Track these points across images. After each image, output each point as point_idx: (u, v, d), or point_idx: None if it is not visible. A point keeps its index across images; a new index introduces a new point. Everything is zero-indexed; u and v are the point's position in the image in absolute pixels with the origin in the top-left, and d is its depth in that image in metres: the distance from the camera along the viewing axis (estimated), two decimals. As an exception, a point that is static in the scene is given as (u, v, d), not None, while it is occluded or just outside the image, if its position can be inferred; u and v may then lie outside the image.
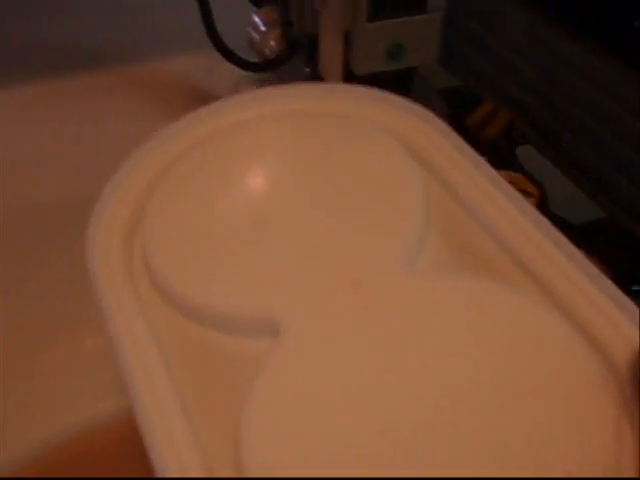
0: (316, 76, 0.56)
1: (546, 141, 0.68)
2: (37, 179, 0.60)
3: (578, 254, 0.29)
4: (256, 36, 0.62)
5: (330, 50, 0.53)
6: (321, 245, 0.30)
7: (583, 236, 0.60)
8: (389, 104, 0.36)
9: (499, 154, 0.66)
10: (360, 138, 0.35)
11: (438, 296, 0.28)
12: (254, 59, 0.61)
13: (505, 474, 0.23)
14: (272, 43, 0.60)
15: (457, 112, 0.68)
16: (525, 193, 0.60)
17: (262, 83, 0.65)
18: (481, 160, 0.34)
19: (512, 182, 0.61)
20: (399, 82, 0.54)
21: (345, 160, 0.34)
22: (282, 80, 0.60)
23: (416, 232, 0.30)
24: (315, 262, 0.30)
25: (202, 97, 0.68)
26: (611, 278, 0.27)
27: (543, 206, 0.61)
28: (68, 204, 0.58)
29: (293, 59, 0.58)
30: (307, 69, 0.58)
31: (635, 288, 0.50)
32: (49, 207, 0.58)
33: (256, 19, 0.61)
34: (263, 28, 0.61)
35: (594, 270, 0.28)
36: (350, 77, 0.52)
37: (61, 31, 0.74)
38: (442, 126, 0.35)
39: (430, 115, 0.36)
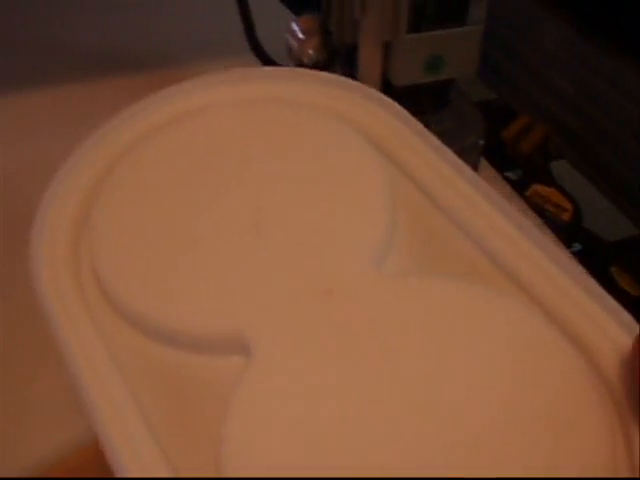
0: (354, 85, 0.56)
1: (582, 156, 0.68)
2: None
3: (556, 250, 0.28)
4: (294, 44, 0.63)
5: (369, 60, 0.53)
6: (286, 251, 0.28)
7: (616, 253, 0.60)
8: (346, 89, 0.34)
9: (534, 168, 0.65)
10: (319, 129, 0.32)
11: (411, 299, 0.27)
12: (292, 67, 0.61)
13: (490, 475, 0.22)
14: (310, 51, 0.60)
15: (493, 125, 0.68)
16: (558, 207, 0.60)
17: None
18: (444, 147, 0.32)
19: (547, 196, 0.61)
20: (436, 94, 0.54)
21: (303, 154, 0.31)
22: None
23: (384, 231, 0.28)
24: (282, 271, 0.27)
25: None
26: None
27: (576, 221, 0.61)
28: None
29: (331, 68, 0.58)
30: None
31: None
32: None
33: (295, 27, 0.62)
34: (301, 36, 0.62)
35: (580, 271, 0.27)
36: (388, 88, 0.53)
37: (97, 32, 0.75)
38: (403, 113, 0.33)
39: (390, 102, 0.33)
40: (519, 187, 0.62)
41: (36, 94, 0.67)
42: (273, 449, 0.23)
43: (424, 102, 0.54)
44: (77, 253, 0.29)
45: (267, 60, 0.56)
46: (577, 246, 0.60)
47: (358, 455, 0.23)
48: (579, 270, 0.27)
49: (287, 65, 0.60)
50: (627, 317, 0.26)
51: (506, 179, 0.63)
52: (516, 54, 0.75)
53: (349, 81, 0.34)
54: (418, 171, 0.31)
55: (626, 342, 0.25)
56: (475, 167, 0.57)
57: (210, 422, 0.24)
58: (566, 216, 0.61)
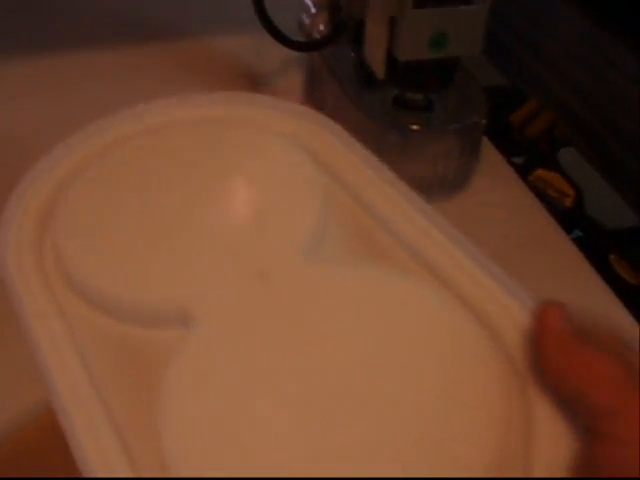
0: (360, 61, 0.56)
1: (588, 144, 0.68)
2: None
3: (467, 243, 0.32)
4: (306, 19, 0.63)
5: (375, 35, 0.53)
6: (227, 238, 0.32)
7: (615, 241, 0.60)
8: (297, 115, 0.38)
9: (539, 153, 0.66)
10: (266, 145, 0.37)
11: (337, 283, 0.31)
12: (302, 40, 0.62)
13: (394, 444, 0.26)
14: (321, 27, 0.61)
15: (501, 110, 0.68)
16: (561, 193, 0.60)
17: (308, 65, 0.66)
18: (372, 157, 0.36)
19: (549, 181, 0.61)
20: (441, 72, 0.54)
21: (249, 163, 0.36)
22: (328, 62, 0.60)
23: (314, 225, 0.33)
24: (222, 255, 0.32)
25: (249, 75, 0.69)
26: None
27: (578, 207, 0.61)
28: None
29: (340, 43, 0.59)
30: (352, 54, 0.58)
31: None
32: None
33: (307, 1, 0.62)
34: (313, 10, 0.62)
35: (485, 259, 0.32)
36: (393, 63, 0.53)
37: (122, 3, 0.76)
38: (337, 129, 0.37)
39: (325, 119, 0.38)
40: (523, 172, 0.62)
41: (51, 58, 0.68)
42: (205, 416, 0.27)
43: (428, 79, 0.55)
44: (41, 240, 0.33)
45: (275, 32, 0.57)
46: (577, 232, 0.60)
47: (278, 421, 0.27)
48: (485, 258, 0.31)
49: (298, 39, 0.60)
50: (528, 298, 0.29)
51: (511, 164, 0.63)
52: (529, 40, 0.75)
53: (300, 107, 0.39)
54: (349, 178, 0.35)
55: (527, 319, 0.28)
56: (477, 147, 0.58)
57: (152, 385, 0.28)
58: (568, 202, 0.61)
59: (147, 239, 0.33)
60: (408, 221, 0.33)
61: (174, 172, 0.35)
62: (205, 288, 0.30)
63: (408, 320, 0.29)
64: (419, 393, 0.27)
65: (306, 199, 0.34)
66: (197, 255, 0.32)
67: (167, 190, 0.35)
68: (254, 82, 0.68)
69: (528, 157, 0.65)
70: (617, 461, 0.23)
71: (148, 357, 0.29)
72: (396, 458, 0.26)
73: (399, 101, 0.56)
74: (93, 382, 0.28)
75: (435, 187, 0.57)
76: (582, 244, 0.57)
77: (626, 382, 0.24)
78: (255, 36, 0.71)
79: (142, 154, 0.37)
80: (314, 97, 0.65)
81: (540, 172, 0.62)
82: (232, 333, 0.29)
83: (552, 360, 0.26)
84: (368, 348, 0.28)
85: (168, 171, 0.36)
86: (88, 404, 0.27)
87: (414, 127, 0.54)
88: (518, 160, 0.64)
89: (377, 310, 0.30)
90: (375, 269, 0.32)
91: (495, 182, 0.59)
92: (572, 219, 0.60)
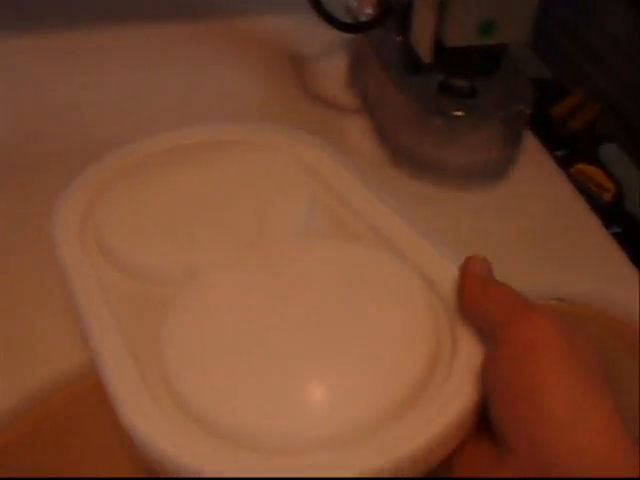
0: (407, 45, 0.56)
1: (631, 139, 0.67)
2: (123, 117, 0.63)
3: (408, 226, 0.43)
4: (353, 2, 0.63)
5: (423, 20, 0.53)
6: (231, 221, 0.43)
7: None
8: (293, 137, 0.50)
9: (581, 147, 0.65)
10: (270, 160, 0.48)
11: (318, 254, 0.42)
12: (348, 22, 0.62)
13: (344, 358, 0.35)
14: (369, 10, 0.61)
15: (544, 103, 0.68)
16: (601, 187, 0.60)
17: (353, 48, 0.66)
18: (354, 170, 0.47)
19: (589, 175, 0.61)
20: (487, 58, 0.54)
21: (250, 170, 0.48)
22: (374, 46, 0.60)
23: (303, 211, 0.44)
24: (225, 233, 0.42)
25: (291, 56, 0.69)
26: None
27: (618, 203, 0.61)
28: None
29: (386, 27, 0.58)
30: (398, 38, 0.58)
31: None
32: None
33: (355, -16, 0.62)
34: (361, -7, 0.62)
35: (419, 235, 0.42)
36: (440, 49, 0.53)
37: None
38: (329, 149, 0.49)
39: (319, 141, 0.49)
40: (564, 165, 0.62)
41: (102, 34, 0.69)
42: (199, 336, 0.37)
43: (474, 66, 0.54)
44: (85, 222, 0.44)
45: (326, 15, 0.57)
46: (616, 228, 0.60)
47: (260, 344, 0.36)
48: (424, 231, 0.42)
49: (345, 20, 0.60)
50: (458, 259, 0.39)
51: (552, 157, 0.63)
52: (576, 34, 0.74)
53: (305, 134, 0.50)
54: (332, 181, 0.47)
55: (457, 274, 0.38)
56: (520, 137, 0.57)
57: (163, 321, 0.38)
58: (608, 197, 0.61)
59: (166, 220, 0.43)
60: (375, 211, 0.44)
61: (192, 172, 0.47)
62: (210, 253, 0.41)
63: (363, 275, 0.40)
64: (368, 323, 0.37)
65: (297, 197, 0.45)
66: (205, 231, 0.42)
67: (185, 186, 0.46)
68: (296, 63, 0.69)
69: (569, 151, 0.64)
70: (509, 358, 0.32)
71: (161, 305, 0.39)
72: (345, 368, 0.35)
73: (443, 87, 0.55)
74: (120, 327, 0.38)
75: (475, 175, 0.57)
76: (620, 239, 0.56)
77: (515, 303, 0.34)
78: (298, 16, 0.72)
79: (168, 165, 0.48)
80: (358, 80, 0.65)
81: (581, 166, 0.62)
82: (228, 283, 0.39)
83: (470, 294, 0.36)
84: (334, 293, 0.39)
85: (188, 172, 0.47)
86: (113, 339, 0.37)
87: (458, 113, 0.54)
88: (559, 153, 0.64)
89: (343, 268, 0.40)
90: (343, 242, 0.43)
91: (536, 173, 0.58)
92: (611, 214, 0.60)
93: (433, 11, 0.52)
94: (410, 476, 0.32)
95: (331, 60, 0.68)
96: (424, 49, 0.54)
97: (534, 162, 0.59)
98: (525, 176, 0.58)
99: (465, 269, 0.37)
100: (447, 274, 0.39)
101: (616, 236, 0.57)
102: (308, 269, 0.40)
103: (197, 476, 0.31)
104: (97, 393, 0.35)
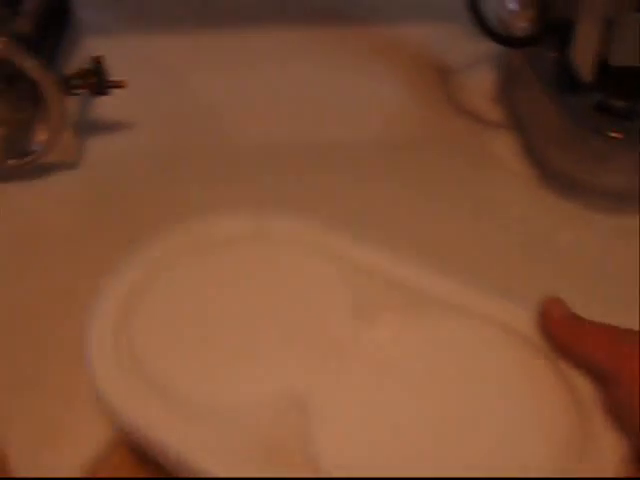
0: (564, 61, 0.55)
1: None
2: (269, 118, 0.64)
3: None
4: (505, 14, 0.62)
5: (586, 37, 0.52)
6: (295, 333, 0.39)
7: None
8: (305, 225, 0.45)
9: None
10: (295, 257, 0.43)
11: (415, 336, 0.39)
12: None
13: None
14: (523, 24, 0.59)
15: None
16: None
17: (505, 63, 0.65)
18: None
19: None
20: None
21: (286, 270, 0.42)
22: (528, 61, 0.59)
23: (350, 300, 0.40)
24: (308, 347, 0.38)
25: (437, 66, 0.68)
26: None
27: None
28: (298, 144, 0.61)
29: (541, 42, 0.57)
30: (553, 54, 0.57)
31: None
32: (281, 147, 0.61)
33: (509, -2, 0.61)
34: (515, 7, 0.61)
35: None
36: (603, 67, 0.51)
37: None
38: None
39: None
40: None
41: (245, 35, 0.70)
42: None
43: (636, 86, 0.52)
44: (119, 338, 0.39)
45: (487, 27, 0.56)
46: None
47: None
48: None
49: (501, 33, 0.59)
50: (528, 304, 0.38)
51: None
52: None
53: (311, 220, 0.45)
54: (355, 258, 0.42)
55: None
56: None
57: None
58: None
59: (224, 339, 0.39)
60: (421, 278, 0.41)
61: (233, 280, 0.42)
62: (310, 376, 0.37)
63: (473, 356, 0.38)
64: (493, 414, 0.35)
65: (336, 291, 0.41)
66: (285, 350, 0.38)
67: (229, 295, 0.41)
68: (442, 73, 0.68)
69: None
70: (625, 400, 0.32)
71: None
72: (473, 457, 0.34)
73: (601, 107, 0.54)
74: None
75: (628, 199, 0.55)
76: None
77: (619, 342, 0.34)
78: (445, 26, 0.71)
79: (205, 267, 0.43)
80: (506, 95, 0.64)
81: None
82: (348, 402, 0.36)
83: (557, 337, 0.36)
84: (448, 382, 0.37)
85: (229, 280, 0.42)
86: None
87: (615, 135, 0.52)
88: None
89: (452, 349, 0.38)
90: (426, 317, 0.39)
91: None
92: None
93: (598, 29, 0.50)
94: None
95: (477, 72, 0.67)
96: (585, 67, 0.52)
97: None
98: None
99: (545, 311, 0.37)
100: (523, 320, 0.38)
101: None
102: (416, 357, 0.38)
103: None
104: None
